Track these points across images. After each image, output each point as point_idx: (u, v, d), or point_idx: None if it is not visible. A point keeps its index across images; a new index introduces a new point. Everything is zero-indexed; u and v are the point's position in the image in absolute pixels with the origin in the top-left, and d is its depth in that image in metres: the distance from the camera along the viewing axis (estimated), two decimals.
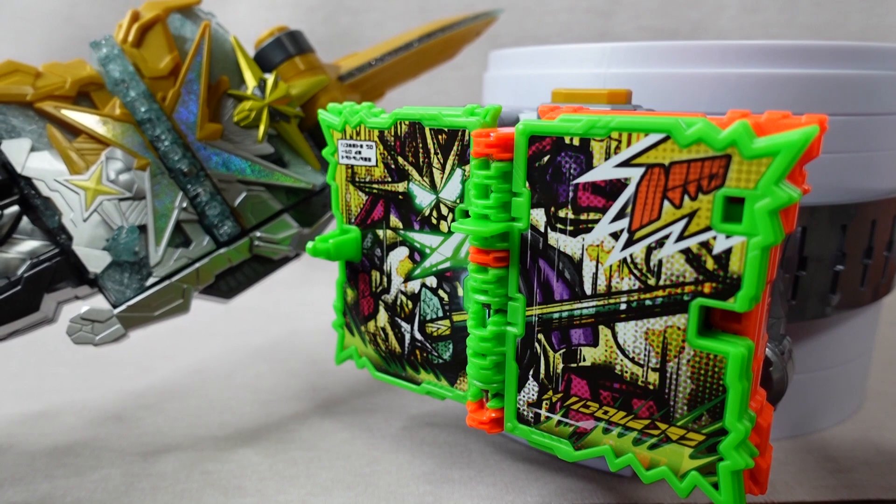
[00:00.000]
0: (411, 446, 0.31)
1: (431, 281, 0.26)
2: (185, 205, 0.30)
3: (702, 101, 0.27)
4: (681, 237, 0.19)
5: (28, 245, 0.28)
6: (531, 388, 0.23)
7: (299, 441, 0.31)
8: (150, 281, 0.29)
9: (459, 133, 0.24)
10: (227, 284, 0.31)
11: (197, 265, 0.30)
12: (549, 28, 0.64)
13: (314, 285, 0.58)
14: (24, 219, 0.29)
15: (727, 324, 0.19)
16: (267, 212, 0.31)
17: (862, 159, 0.28)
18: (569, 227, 0.21)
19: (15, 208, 0.28)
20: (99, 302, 0.40)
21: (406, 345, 0.27)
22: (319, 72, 0.32)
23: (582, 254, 0.21)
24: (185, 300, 0.30)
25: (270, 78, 0.31)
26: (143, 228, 0.29)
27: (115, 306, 0.29)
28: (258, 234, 0.31)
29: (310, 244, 0.27)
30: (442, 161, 0.24)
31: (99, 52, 0.29)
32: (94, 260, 0.28)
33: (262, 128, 0.31)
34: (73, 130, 0.29)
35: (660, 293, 0.20)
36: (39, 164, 0.28)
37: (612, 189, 0.20)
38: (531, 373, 0.23)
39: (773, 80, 0.26)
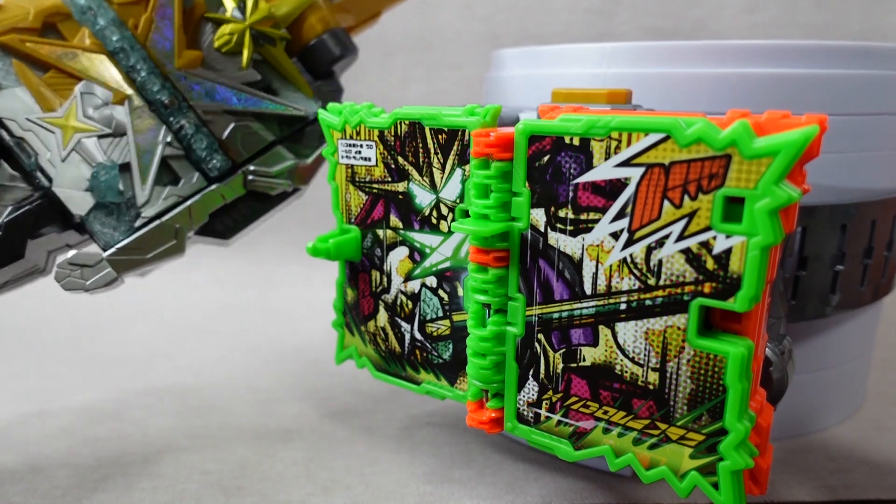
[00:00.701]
0: (411, 446, 0.31)
1: (431, 281, 0.26)
2: (169, 139, 0.28)
3: (702, 101, 0.27)
4: (681, 237, 0.19)
5: (12, 193, 0.27)
6: (531, 388, 0.23)
7: (299, 441, 0.31)
8: (140, 222, 0.28)
9: (459, 133, 0.24)
10: (223, 224, 0.29)
11: (188, 203, 0.28)
12: (549, 28, 0.64)
13: (314, 285, 0.58)
14: (6, 166, 0.27)
15: (727, 324, 0.19)
16: (259, 144, 0.29)
17: (862, 159, 0.28)
18: (569, 227, 0.21)
19: None
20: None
21: (406, 344, 0.27)
22: None
23: (582, 254, 0.21)
24: (178, 240, 0.28)
25: None
26: (127, 167, 0.27)
27: (105, 250, 0.28)
28: (251, 167, 0.29)
29: (310, 244, 0.27)
30: (442, 161, 0.24)
31: None
32: (77, 202, 0.27)
33: (245, 53, 0.28)
34: (41, 65, 0.27)
35: (660, 293, 0.20)
36: (8, 103, 0.27)
37: (612, 189, 0.20)
38: (531, 373, 0.23)
39: (773, 80, 0.26)
